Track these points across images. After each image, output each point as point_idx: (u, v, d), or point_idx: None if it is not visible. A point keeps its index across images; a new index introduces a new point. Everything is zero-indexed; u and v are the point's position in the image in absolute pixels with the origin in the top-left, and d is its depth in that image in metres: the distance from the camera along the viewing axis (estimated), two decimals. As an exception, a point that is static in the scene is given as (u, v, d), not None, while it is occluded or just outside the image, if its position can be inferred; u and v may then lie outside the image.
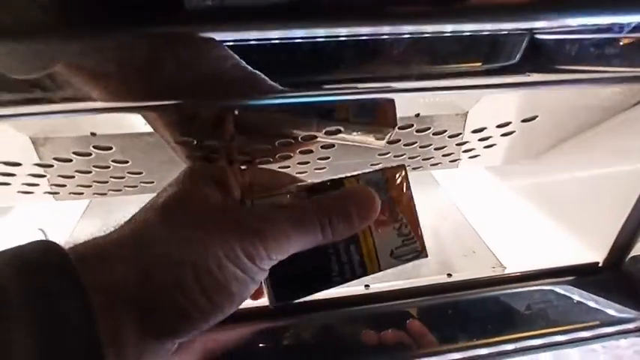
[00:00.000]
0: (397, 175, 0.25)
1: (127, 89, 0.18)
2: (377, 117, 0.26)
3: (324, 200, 0.22)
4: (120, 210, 0.54)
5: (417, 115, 0.29)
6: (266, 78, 0.19)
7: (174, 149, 0.26)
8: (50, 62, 0.17)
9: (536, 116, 0.29)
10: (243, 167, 0.28)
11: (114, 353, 0.16)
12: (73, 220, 0.53)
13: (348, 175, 0.25)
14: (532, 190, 0.45)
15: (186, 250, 0.18)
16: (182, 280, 0.17)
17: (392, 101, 0.25)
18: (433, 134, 0.30)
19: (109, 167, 0.29)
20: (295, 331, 0.26)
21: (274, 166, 0.32)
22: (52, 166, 0.27)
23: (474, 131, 0.31)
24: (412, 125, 0.28)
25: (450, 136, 0.31)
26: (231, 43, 0.18)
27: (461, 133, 0.31)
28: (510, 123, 0.30)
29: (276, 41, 0.19)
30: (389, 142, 0.31)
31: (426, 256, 0.24)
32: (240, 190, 0.24)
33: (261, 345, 0.24)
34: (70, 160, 0.27)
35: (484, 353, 0.29)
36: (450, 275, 0.43)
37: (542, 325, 0.30)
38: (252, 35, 0.18)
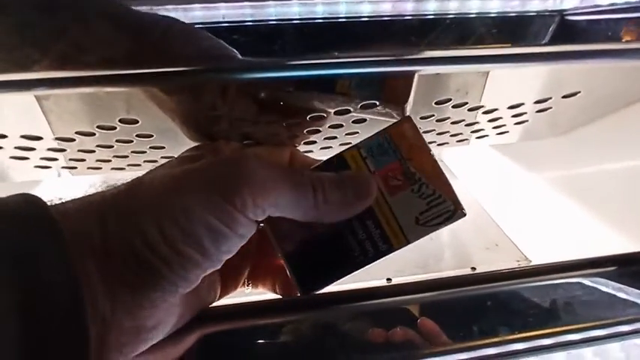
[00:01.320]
0: (404, 130, 0.22)
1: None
2: (385, 95, 0.25)
3: (320, 172, 0.21)
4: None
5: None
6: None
7: (180, 128, 0.25)
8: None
9: (579, 91, 0.28)
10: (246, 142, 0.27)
11: (91, 305, 0.15)
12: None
13: (349, 147, 0.23)
14: (561, 180, 0.43)
15: (152, 200, 0.17)
16: (143, 227, 0.16)
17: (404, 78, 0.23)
18: (469, 110, 0.29)
19: (132, 141, 0.27)
20: (302, 326, 0.24)
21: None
22: (74, 140, 0.26)
23: (510, 107, 0.30)
24: (450, 100, 0.27)
25: (484, 112, 0.30)
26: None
27: (497, 109, 0.30)
28: (550, 98, 0.28)
29: (297, 21, 0.18)
30: (422, 118, 0.30)
31: (464, 214, 0.21)
32: None
33: (261, 342, 0.23)
34: (93, 134, 0.25)
35: (521, 348, 0.28)
36: (474, 269, 0.42)
37: (582, 318, 0.28)
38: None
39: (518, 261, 0.40)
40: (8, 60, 0.17)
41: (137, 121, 0.25)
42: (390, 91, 0.25)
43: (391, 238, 0.21)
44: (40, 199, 0.16)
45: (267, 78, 0.20)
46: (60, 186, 0.45)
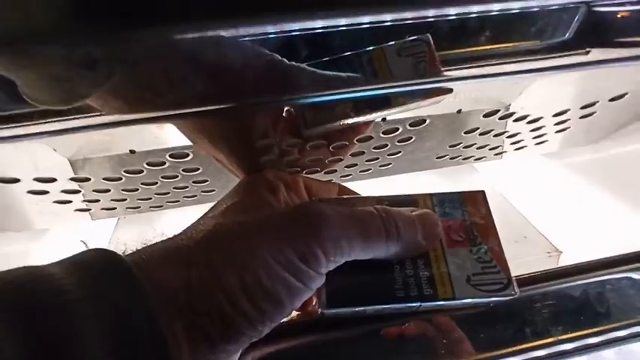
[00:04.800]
0: (475, 199, 0.23)
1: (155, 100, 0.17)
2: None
3: (392, 209, 0.20)
4: (152, 219, 0.52)
5: (459, 112, 0.28)
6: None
7: (222, 163, 0.24)
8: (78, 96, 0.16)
9: (626, 93, 0.28)
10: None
11: None
12: (108, 232, 0.52)
13: (423, 192, 0.23)
14: (583, 165, 0.42)
15: (233, 256, 0.17)
16: (227, 284, 0.16)
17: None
18: (514, 121, 0.29)
19: (177, 177, 0.27)
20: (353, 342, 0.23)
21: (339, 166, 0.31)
22: (120, 179, 0.25)
23: (556, 114, 0.29)
24: (498, 111, 0.27)
25: (528, 122, 0.30)
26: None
27: (542, 117, 0.29)
28: (597, 102, 0.28)
29: (319, 30, 0.17)
30: (465, 133, 0.30)
31: (515, 292, 0.21)
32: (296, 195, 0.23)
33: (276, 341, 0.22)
34: (141, 172, 0.25)
35: (570, 348, 0.27)
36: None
37: (630, 314, 0.28)
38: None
39: (549, 252, 0.39)
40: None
41: (188, 155, 0.24)
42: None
43: (438, 286, 0.21)
44: (118, 256, 0.15)
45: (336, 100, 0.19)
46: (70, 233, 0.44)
